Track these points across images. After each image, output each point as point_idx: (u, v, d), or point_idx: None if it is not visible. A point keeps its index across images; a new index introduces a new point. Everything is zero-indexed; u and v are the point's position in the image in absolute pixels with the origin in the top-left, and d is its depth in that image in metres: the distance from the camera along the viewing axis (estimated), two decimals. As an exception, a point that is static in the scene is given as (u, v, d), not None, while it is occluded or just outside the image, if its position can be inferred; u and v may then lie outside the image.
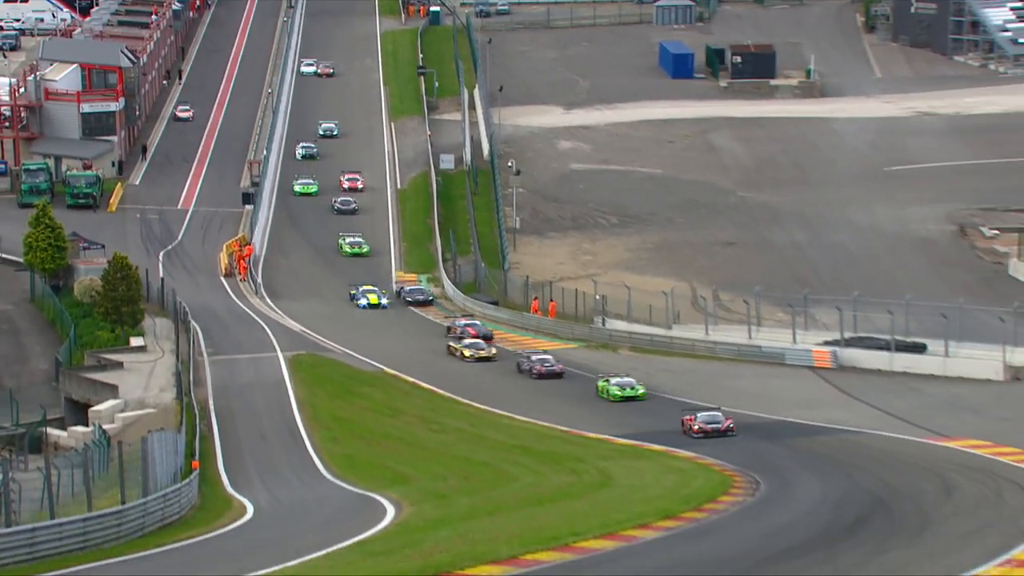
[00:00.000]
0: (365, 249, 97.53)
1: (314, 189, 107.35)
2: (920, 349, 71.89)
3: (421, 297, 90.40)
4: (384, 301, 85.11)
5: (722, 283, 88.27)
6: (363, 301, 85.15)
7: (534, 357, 73.03)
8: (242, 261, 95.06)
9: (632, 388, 65.91)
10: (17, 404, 65.21)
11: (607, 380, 66.83)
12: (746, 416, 60.08)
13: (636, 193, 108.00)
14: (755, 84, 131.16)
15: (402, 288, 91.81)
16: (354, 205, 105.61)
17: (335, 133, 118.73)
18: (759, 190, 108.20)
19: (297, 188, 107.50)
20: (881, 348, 72.52)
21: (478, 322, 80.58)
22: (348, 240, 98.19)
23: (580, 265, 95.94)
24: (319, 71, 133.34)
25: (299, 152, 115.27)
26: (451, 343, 75.76)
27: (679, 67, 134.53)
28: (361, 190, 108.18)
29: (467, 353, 73.21)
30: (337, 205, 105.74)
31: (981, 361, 69.48)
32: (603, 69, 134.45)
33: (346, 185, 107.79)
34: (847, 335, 74.93)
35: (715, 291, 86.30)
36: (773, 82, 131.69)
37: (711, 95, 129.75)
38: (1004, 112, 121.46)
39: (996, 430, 54.48)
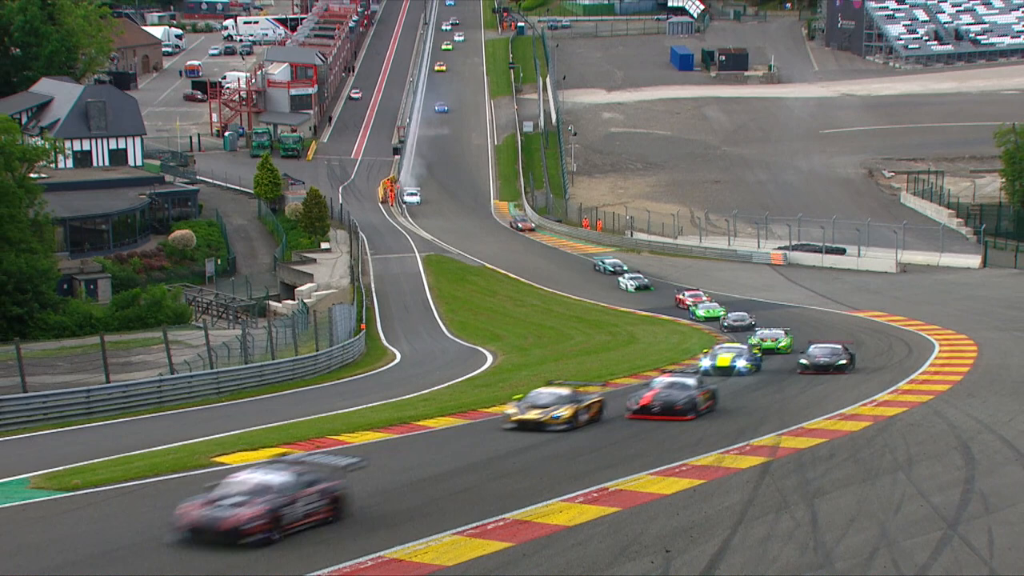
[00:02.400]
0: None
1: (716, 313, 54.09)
2: (841, 252, 71.60)
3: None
4: (740, 364, 35.79)
5: (711, 208, 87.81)
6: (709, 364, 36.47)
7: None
8: (392, 193, 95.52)
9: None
10: (250, 285, 66.28)
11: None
12: (726, 296, 60.03)
13: (654, 147, 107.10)
14: (734, 74, 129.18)
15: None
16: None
17: (447, 110, 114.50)
18: (736, 145, 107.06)
19: (702, 312, 54.81)
20: (816, 251, 72.25)
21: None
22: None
23: (616, 196, 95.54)
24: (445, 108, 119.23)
25: (517, 223, 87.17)
26: None
27: (683, 63, 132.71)
28: (533, 229, 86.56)
29: None
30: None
31: (881, 259, 69.30)
32: (632, 64, 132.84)
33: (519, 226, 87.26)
34: (793, 242, 74.71)
35: (706, 213, 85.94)
36: (746, 73, 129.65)
37: (705, 81, 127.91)
38: (898, 94, 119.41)
39: (890, 305, 54.18)
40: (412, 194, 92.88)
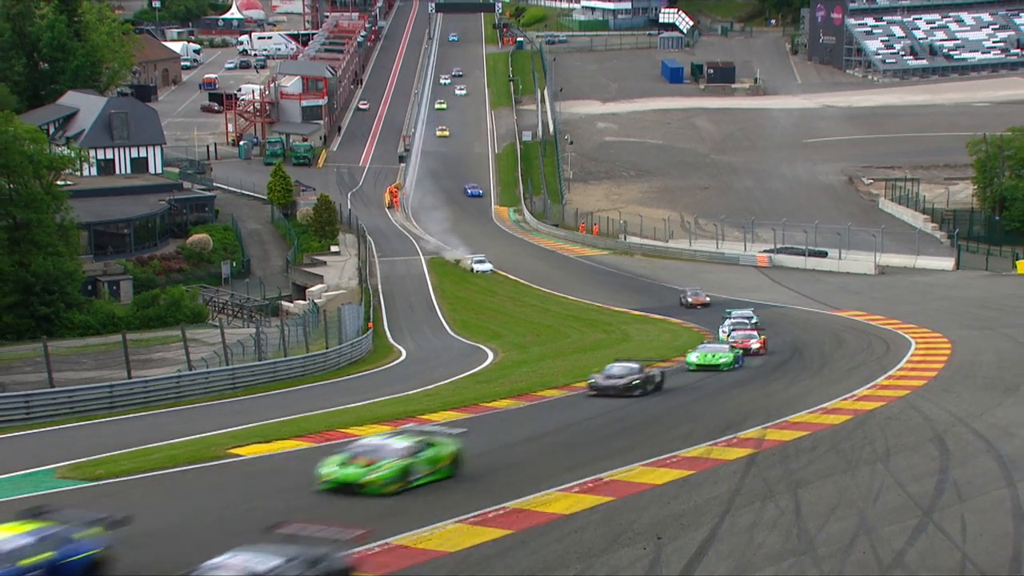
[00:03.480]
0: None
1: None
2: (823, 254, 71.52)
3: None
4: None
5: (700, 212, 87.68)
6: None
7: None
8: (398, 198, 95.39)
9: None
10: (264, 286, 66.24)
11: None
12: (714, 296, 59.92)
13: (646, 156, 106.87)
14: (722, 86, 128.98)
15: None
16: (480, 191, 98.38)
17: (480, 194, 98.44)
18: (724, 154, 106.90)
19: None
20: (799, 254, 72.17)
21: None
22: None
23: (610, 202, 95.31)
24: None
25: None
26: None
27: (674, 75, 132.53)
28: (708, 303, 58.11)
29: None
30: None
31: (861, 262, 69.25)
32: (626, 76, 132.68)
33: None
34: (778, 246, 74.63)
35: (696, 218, 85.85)
36: (733, 85, 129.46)
37: (694, 93, 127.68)
38: (876, 106, 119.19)
39: (869, 305, 54.11)
40: (480, 261, 72.50)
